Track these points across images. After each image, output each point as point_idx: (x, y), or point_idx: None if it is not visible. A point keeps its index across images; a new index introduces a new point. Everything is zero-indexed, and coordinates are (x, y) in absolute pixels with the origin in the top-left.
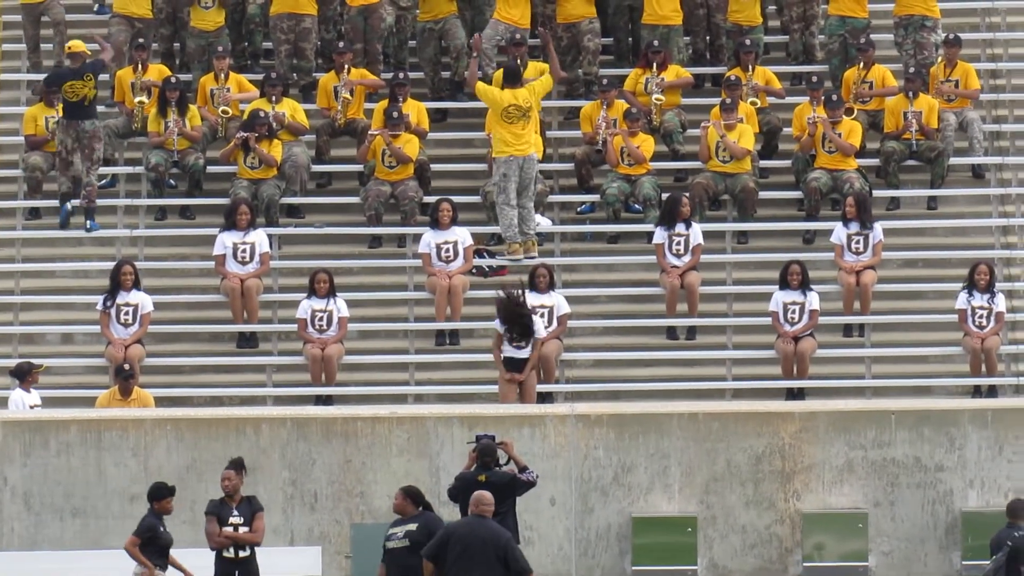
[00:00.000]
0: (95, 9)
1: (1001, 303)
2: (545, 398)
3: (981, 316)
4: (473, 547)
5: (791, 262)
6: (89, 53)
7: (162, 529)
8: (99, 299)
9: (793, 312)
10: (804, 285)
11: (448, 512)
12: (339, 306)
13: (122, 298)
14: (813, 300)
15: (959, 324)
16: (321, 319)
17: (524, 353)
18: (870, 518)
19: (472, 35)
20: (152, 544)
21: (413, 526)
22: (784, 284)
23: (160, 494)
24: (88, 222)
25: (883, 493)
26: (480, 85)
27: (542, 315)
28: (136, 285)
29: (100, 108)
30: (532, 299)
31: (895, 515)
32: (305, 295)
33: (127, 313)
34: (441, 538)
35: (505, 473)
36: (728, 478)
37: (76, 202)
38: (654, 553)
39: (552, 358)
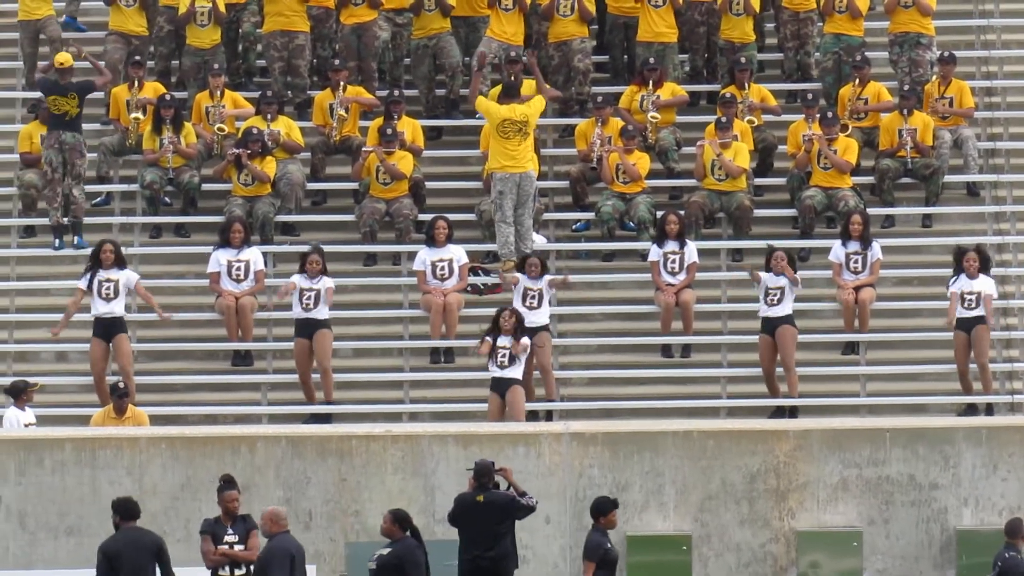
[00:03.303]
0: (63, 20)
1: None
2: (540, 416)
3: (970, 300)
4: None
5: (775, 249)
6: (72, 63)
7: (609, 545)
8: (93, 317)
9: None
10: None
11: (443, 530)
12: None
13: (103, 275)
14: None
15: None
16: (308, 297)
17: (509, 372)
18: (865, 536)
19: (467, 52)
20: (603, 563)
21: (387, 551)
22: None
23: (605, 508)
24: (76, 238)
25: (878, 511)
26: (481, 99)
27: (533, 297)
28: (118, 263)
29: (96, 126)
30: (525, 282)
31: (890, 533)
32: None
33: (108, 288)
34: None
35: (504, 494)
36: (723, 496)
37: (65, 220)
38: (649, 571)
39: (547, 363)
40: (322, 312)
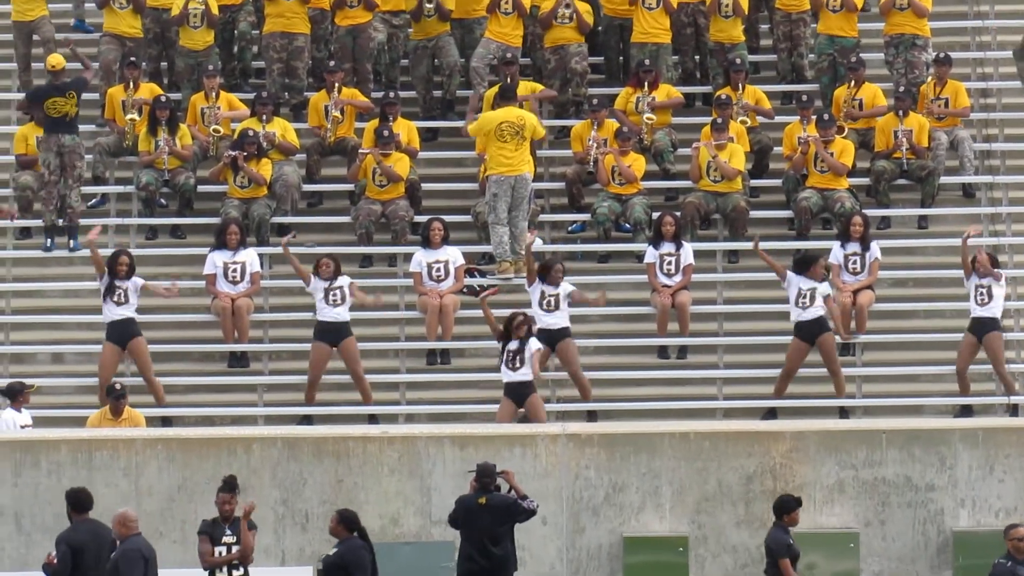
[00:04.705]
0: (72, 24)
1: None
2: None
3: (982, 294)
4: None
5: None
6: (65, 63)
7: (791, 541)
8: (89, 318)
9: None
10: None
11: (440, 531)
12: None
13: (120, 284)
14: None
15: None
16: (335, 294)
17: (522, 375)
18: (861, 538)
19: (462, 54)
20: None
21: (333, 552)
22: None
23: (790, 506)
24: (71, 241)
25: (874, 513)
26: (471, 126)
27: (550, 302)
28: (130, 274)
29: (91, 127)
30: (548, 290)
31: (886, 535)
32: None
33: (120, 295)
34: None
35: (506, 497)
36: (719, 497)
37: (60, 221)
38: (645, 573)
39: (576, 369)
40: (345, 314)
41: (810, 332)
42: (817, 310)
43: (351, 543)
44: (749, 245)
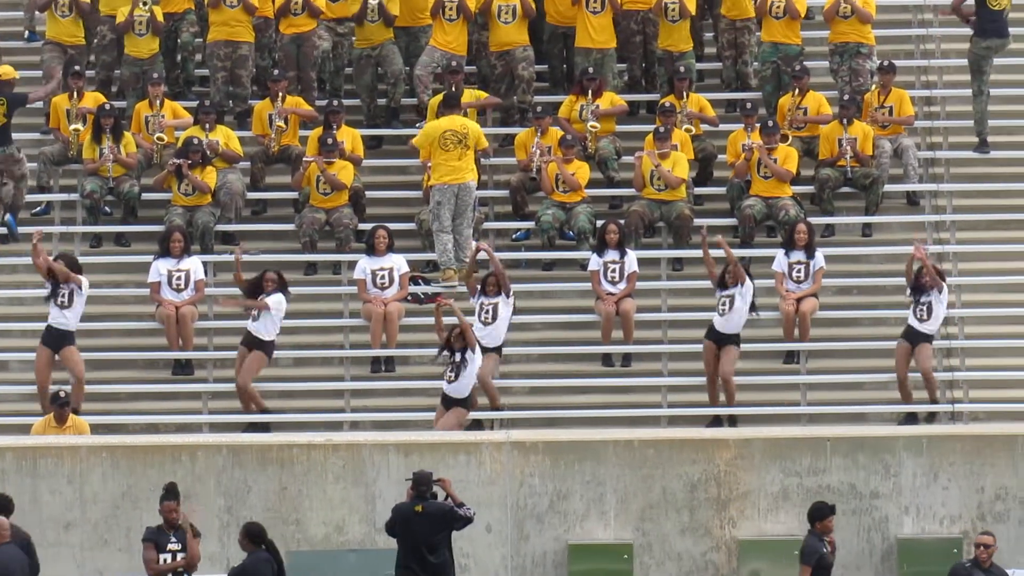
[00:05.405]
0: (25, 36)
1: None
2: (481, 425)
3: (922, 310)
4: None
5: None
6: (17, 76)
7: (825, 550)
8: (34, 326)
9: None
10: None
11: (384, 539)
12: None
13: (63, 288)
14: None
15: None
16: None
17: (455, 390)
18: None
19: (407, 62)
20: (818, 567)
21: (237, 565)
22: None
23: (823, 513)
24: (7, 216)
25: None
26: (415, 140)
27: (487, 312)
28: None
29: (35, 135)
30: (481, 298)
31: None
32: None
33: (63, 297)
34: None
35: (443, 504)
36: (664, 505)
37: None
38: None
39: (487, 378)
40: (267, 331)
41: (721, 339)
42: (735, 320)
43: (256, 556)
44: (694, 253)
